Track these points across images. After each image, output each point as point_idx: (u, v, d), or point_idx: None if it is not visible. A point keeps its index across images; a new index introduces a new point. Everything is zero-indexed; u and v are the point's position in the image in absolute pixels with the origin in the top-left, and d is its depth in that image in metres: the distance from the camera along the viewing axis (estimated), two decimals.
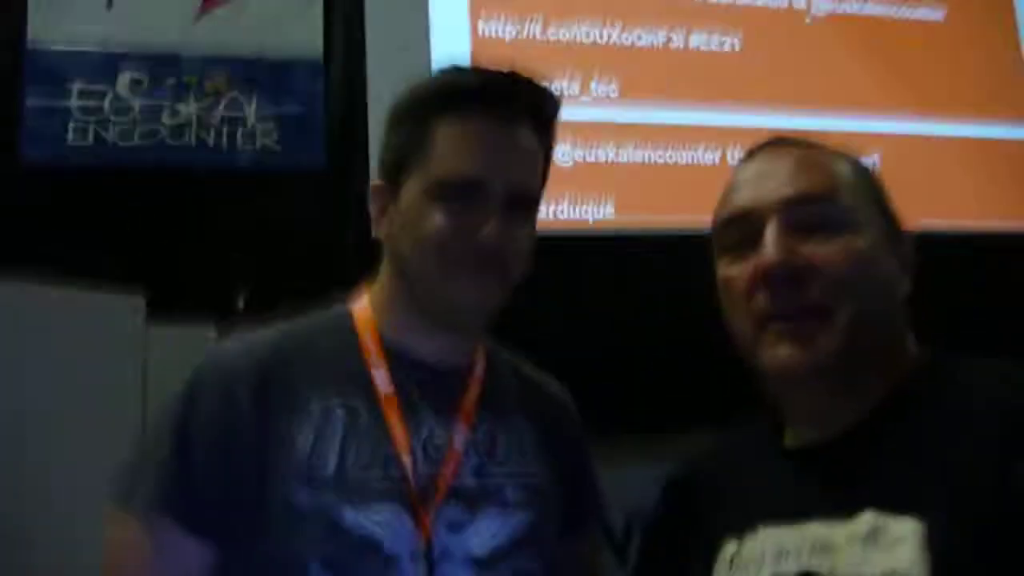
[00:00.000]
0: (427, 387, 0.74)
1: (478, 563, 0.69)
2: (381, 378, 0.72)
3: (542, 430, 0.79)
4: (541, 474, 0.77)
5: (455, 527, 0.69)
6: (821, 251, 0.61)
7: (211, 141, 2.69)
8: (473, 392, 0.75)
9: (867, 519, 0.55)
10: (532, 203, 0.73)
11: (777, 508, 0.62)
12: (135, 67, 2.60)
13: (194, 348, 2.00)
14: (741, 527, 0.63)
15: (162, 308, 2.05)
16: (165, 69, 2.65)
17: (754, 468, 0.68)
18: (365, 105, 2.84)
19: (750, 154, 0.70)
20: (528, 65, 0.72)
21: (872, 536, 0.54)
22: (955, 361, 0.64)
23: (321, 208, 2.78)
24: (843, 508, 0.58)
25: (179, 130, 2.66)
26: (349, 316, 0.77)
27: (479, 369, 0.77)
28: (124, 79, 2.59)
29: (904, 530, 0.53)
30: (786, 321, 0.61)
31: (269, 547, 0.66)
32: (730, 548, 0.64)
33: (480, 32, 3.09)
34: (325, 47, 2.77)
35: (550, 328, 2.36)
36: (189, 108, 2.67)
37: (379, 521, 0.67)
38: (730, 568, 0.63)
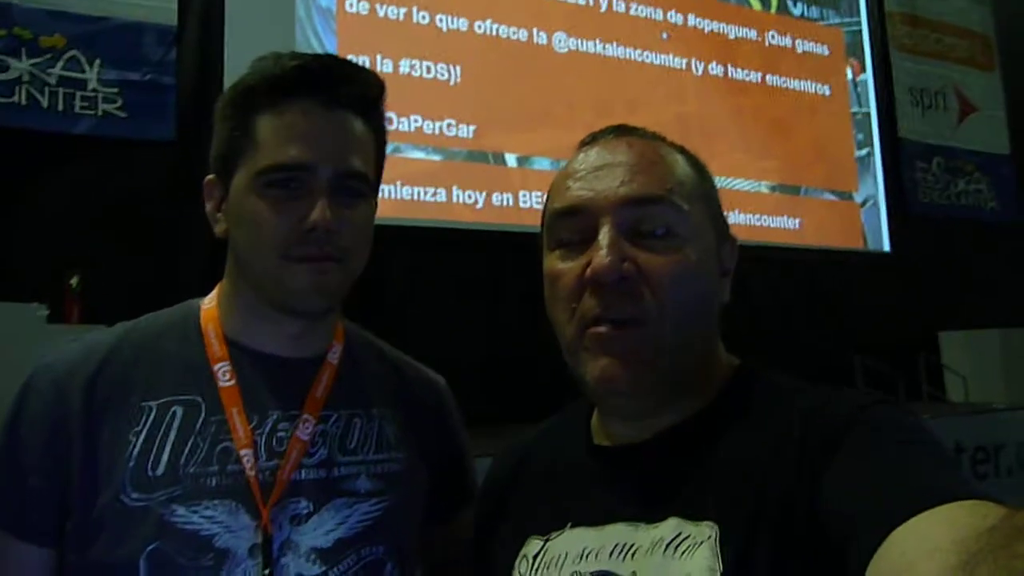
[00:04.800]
0: (273, 379, 0.71)
1: (322, 554, 0.68)
2: (222, 372, 0.70)
3: (409, 417, 0.78)
4: (403, 461, 0.75)
5: (297, 519, 0.68)
6: (654, 261, 0.60)
7: (46, 102, 2.50)
8: (324, 382, 0.73)
9: (671, 525, 0.56)
10: (362, 185, 0.70)
11: (586, 509, 0.62)
12: None
13: (22, 324, 1.88)
14: (549, 527, 0.63)
15: None
16: None
17: (567, 466, 0.67)
18: (221, 76, 2.76)
19: (590, 141, 0.66)
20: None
21: (674, 543, 0.55)
22: (761, 372, 0.64)
23: (167, 182, 2.64)
24: (649, 513, 0.58)
25: (8, 87, 2.45)
26: (196, 313, 0.73)
27: (334, 357, 0.75)
28: None
29: (701, 535, 0.54)
30: (611, 326, 0.59)
31: (101, 550, 0.64)
32: (535, 545, 0.63)
33: (347, 7, 3.03)
34: (180, 14, 2.62)
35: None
36: (22, 64, 2.46)
37: (211, 516, 0.65)
38: (532, 566, 0.63)
